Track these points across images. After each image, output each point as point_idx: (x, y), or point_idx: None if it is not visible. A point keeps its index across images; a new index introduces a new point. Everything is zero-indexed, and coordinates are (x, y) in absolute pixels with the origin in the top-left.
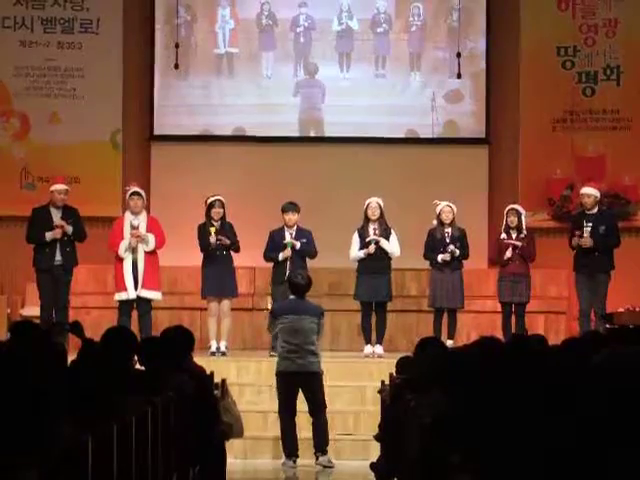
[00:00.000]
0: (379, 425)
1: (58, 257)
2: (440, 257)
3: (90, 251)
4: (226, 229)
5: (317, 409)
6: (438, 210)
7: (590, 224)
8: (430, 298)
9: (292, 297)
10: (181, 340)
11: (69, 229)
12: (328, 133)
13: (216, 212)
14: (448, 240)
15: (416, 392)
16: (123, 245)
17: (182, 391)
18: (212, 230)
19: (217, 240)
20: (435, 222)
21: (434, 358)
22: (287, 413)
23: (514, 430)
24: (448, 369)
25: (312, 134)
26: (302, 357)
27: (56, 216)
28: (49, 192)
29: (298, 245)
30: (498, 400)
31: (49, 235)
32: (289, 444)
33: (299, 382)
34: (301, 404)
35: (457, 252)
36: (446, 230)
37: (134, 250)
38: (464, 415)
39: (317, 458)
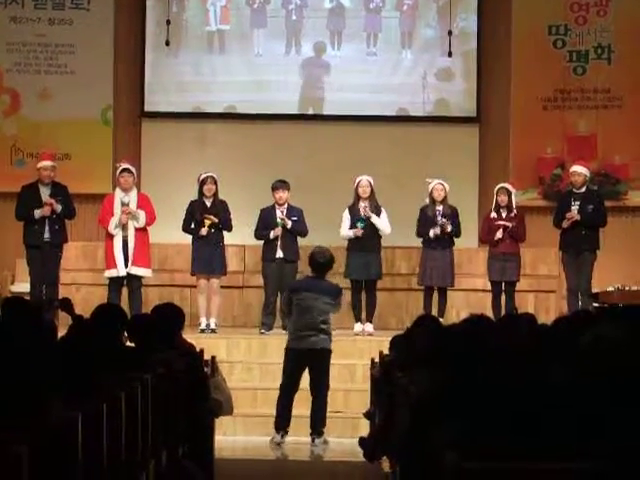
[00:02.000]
0: (371, 402)
1: (47, 234)
2: (431, 232)
3: (80, 228)
4: (218, 208)
5: (320, 388)
6: (430, 188)
7: (578, 202)
8: (420, 276)
9: (310, 275)
10: (171, 317)
11: (58, 207)
12: (318, 111)
13: (208, 189)
14: (439, 218)
15: (407, 370)
16: (113, 222)
17: (172, 368)
18: (207, 223)
19: (209, 229)
20: (427, 200)
21: (426, 336)
22: (289, 390)
23: (503, 407)
24: (438, 347)
25: (303, 112)
26: (313, 335)
27: (45, 193)
28: (36, 169)
29: (290, 224)
30: (487, 378)
31: (37, 213)
32: (282, 418)
33: (308, 360)
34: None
35: (449, 228)
36: (437, 208)
37: (124, 227)
38: (454, 393)
39: (313, 440)
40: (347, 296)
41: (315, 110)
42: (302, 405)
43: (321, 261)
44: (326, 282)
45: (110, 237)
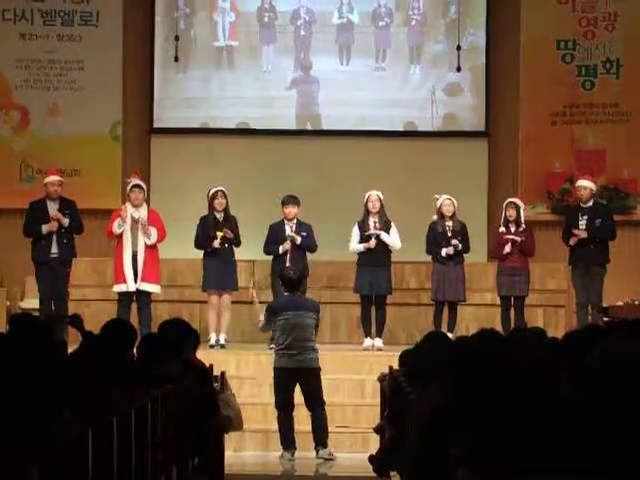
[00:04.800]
0: (381, 417)
1: (55, 250)
2: (444, 251)
3: (89, 244)
4: (230, 222)
5: (315, 405)
6: (439, 204)
7: (585, 217)
8: (433, 291)
9: (286, 293)
10: (179, 332)
11: (65, 221)
12: (328, 126)
13: (219, 203)
14: (449, 234)
15: (416, 384)
16: (117, 223)
17: (181, 384)
18: (219, 235)
19: (220, 243)
20: (435, 216)
21: (435, 351)
22: (285, 408)
23: (514, 423)
24: (448, 362)
25: (311, 127)
26: (301, 353)
27: (52, 209)
28: (43, 185)
29: (299, 240)
30: (498, 393)
31: (45, 228)
32: (287, 438)
33: (297, 378)
34: (298, 396)
35: (460, 246)
36: (447, 224)
37: (134, 242)
38: (464, 408)
39: (317, 452)
40: (357, 311)
41: (323, 125)
42: (301, 421)
43: (293, 277)
44: (306, 298)
45: (120, 252)
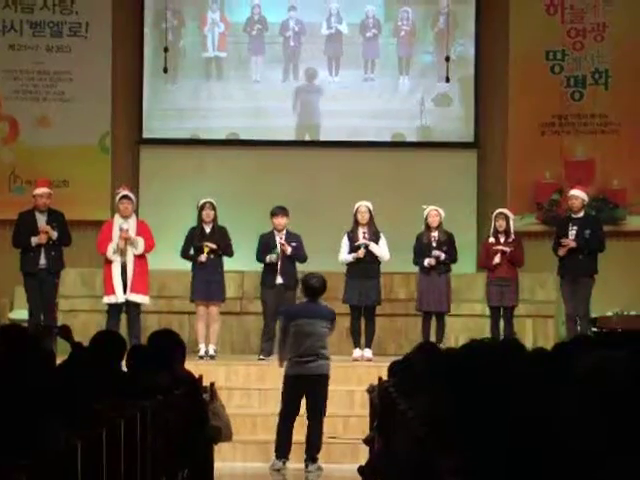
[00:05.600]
0: (370, 428)
1: (43, 261)
2: (426, 261)
3: (78, 254)
4: (217, 234)
5: (317, 414)
6: (425, 214)
7: (575, 227)
8: (417, 302)
9: (305, 300)
10: (169, 343)
11: (54, 234)
12: (316, 137)
13: (207, 214)
14: (434, 244)
15: (406, 396)
16: (111, 247)
17: (171, 395)
18: (206, 250)
19: (208, 255)
20: (423, 227)
21: (425, 362)
22: (289, 417)
23: (506, 434)
24: (439, 373)
25: (301, 138)
26: (313, 361)
27: (41, 220)
28: (32, 196)
29: (289, 250)
30: (489, 404)
31: (34, 240)
32: (282, 446)
33: (307, 385)
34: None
35: (442, 256)
36: (432, 234)
37: (122, 252)
38: (454, 419)
39: (307, 466)
40: (346, 322)
41: (313, 136)
42: (299, 431)
43: (317, 285)
44: (322, 306)
45: (109, 263)
